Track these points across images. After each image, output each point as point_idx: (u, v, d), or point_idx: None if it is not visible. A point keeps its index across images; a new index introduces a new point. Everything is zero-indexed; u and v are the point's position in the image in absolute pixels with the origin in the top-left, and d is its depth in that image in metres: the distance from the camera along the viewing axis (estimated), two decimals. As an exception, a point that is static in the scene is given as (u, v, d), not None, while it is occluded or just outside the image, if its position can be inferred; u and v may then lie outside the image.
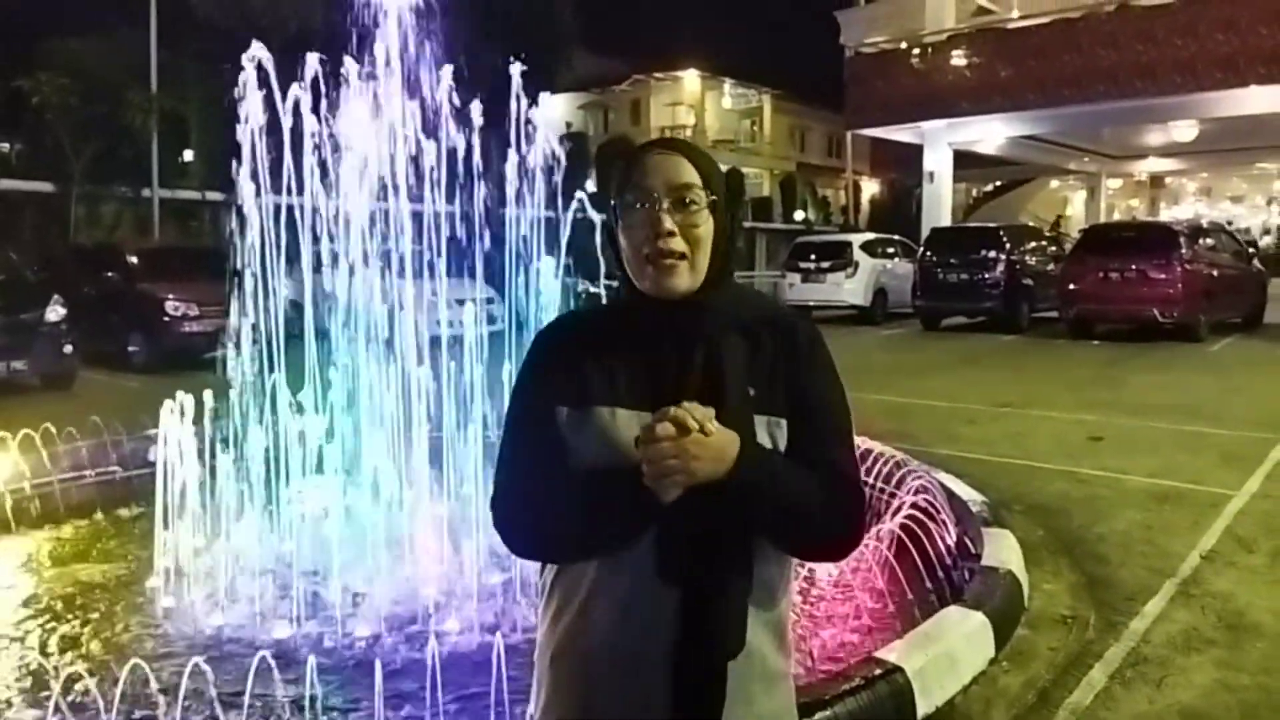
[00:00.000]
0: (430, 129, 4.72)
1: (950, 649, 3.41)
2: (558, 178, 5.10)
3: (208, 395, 4.46)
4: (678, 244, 1.33)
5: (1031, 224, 24.68)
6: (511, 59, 4.86)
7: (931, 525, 4.54)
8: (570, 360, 1.38)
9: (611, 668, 1.34)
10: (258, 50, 4.25)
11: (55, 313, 10.57)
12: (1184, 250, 14.89)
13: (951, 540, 4.62)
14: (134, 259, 13.41)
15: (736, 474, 1.24)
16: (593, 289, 7.00)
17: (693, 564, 1.30)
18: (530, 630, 3.65)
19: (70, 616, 4.13)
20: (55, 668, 3.52)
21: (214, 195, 18.93)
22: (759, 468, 1.28)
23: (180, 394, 4.35)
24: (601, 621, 1.34)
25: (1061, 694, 3.41)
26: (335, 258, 4.57)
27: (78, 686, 3.15)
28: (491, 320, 5.29)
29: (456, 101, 4.73)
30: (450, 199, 4.85)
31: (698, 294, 1.35)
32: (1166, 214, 32.65)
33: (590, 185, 26.79)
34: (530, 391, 1.42)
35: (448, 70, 4.71)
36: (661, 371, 1.34)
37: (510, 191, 5.03)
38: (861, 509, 1.42)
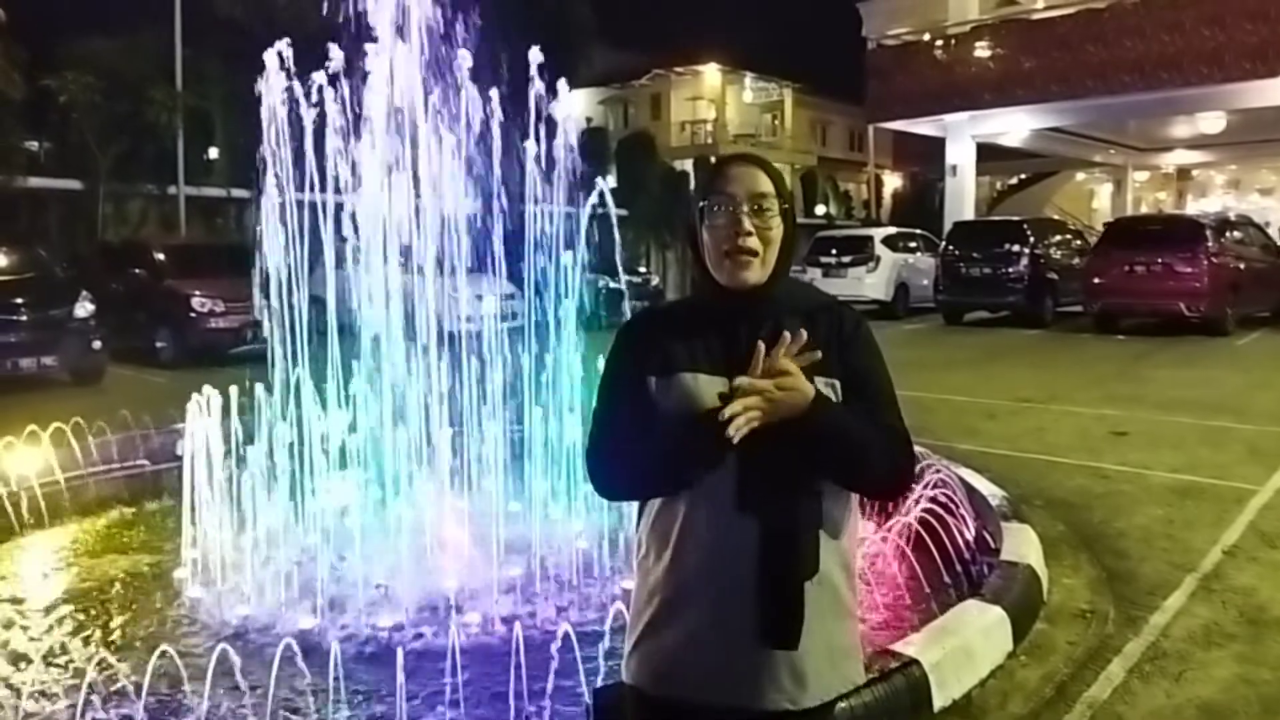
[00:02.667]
0: (450, 124, 4.75)
1: (967, 642, 3.42)
2: (576, 173, 5.12)
3: (257, 390, 4.52)
4: (754, 243, 1.57)
5: (1057, 217, 24.45)
6: (530, 55, 4.88)
7: (950, 519, 4.53)
8: (657, 339, 1.63)
9: (705, 594, 1.55)
10: (281, 47, 4.31)
11: (84, 309, 10.72)
12: (1211, 243, 14.72)
13: (970, 534, 4.62)
14: (161, 256, 13.56)
15: (812, 414, 1.48)
16: (613, 284, 7.03)
17: (768, 497, 1.52)
18: (551, 622, 3.71)
19: (101, 606, 4.22)
20: (87, 647, 3.60)
21: (239, 192, 19.10)
22: (830, 410, 1.52)
23: (208, 388, 4.42)
24: (692, 556, 1.56)
25: (1079, 688, 3.41)
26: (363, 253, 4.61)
27: (109, 673, 3.22)
28: (512, 316, 5.33)
29: (476, 97, 4.77)
30: (470, 194, 4.89)
31: (765, 285, 1.60)
32: (1194, 207, 32.17)
33: (610, 181, 26.78)
34: (622, 363, 1.67)
35: (466, 66, 4.74)
36: (735, 345, 1.56)
37: (530, 187, 5.06)
38: (911, 457, 1.66)
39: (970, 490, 5.10)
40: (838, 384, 1.58)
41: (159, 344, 12.42)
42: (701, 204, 1.61)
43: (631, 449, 1.59)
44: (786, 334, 1.49)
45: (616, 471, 1.65)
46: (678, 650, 1.58)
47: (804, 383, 1.48)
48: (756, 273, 1.59)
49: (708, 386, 1.54)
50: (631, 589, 1.72)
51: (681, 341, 1.61)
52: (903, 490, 1.74)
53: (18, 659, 3.64)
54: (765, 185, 1.59)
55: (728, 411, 1.45)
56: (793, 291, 1.67)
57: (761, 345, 1.48)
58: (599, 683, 2.92)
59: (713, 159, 1.75)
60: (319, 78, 4.40)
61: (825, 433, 1.51)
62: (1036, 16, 21.61)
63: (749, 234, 1.57)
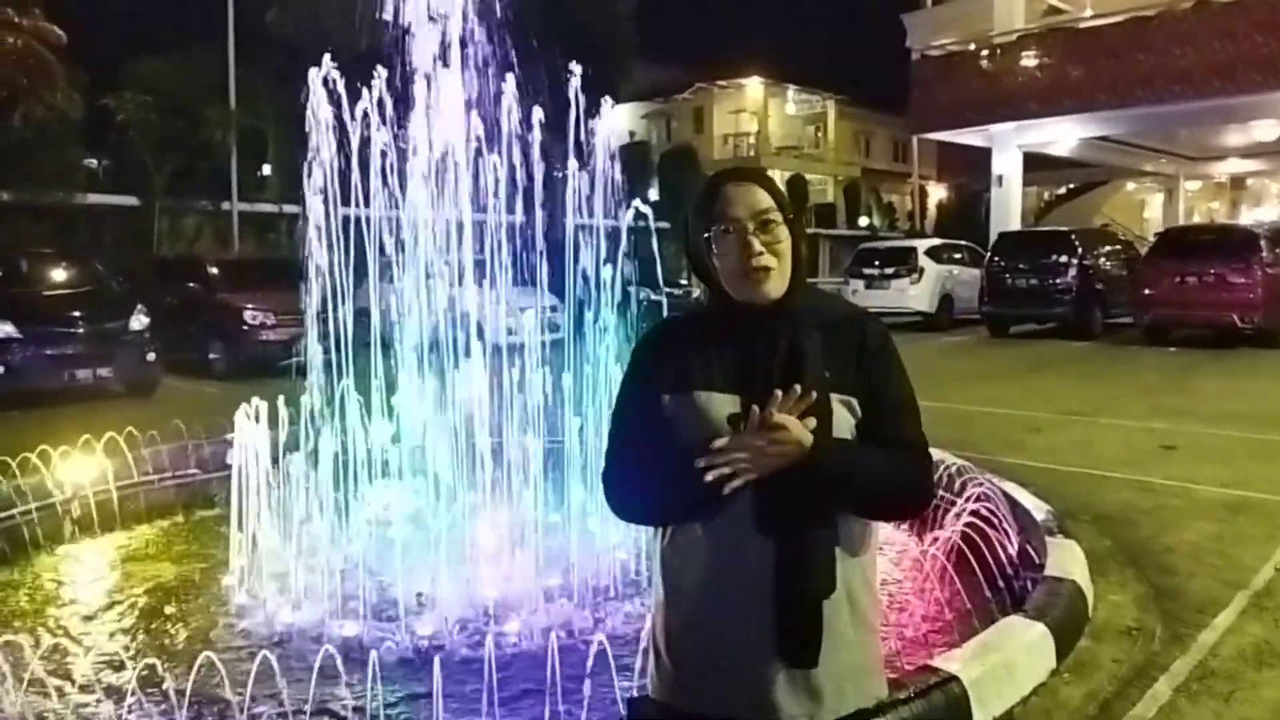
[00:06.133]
0: (494, 140, 4.83)
1: (1009, 659, 3.37)
2: (619, 187, 5.17)
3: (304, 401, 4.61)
4: (767, 260, 1.57)
5: (1107, 227, 24.04)
6: (573, 71, 4.95)
7: (993, 534, 4.48)
8: (673, 354, 1.63)
9: (721, 612, 1.56)
10: (328, 67, 4.42)
11: (139, 322, 10.98)
12: (1265, 253, 14.42)
13: (1014, 550, 4.57)
14: (214, 270, 13.89)
15: (813, 460, 1.48)
16: (654, 296, 7.08)
17: (785, 517, 1.52)
18: (586, 633, 3.74)
19: (149, 612, 4.33)
20: (133, 651, 3.69)
21: (291, 208, 19.48)
22: (834, 454, 1.51)
23: (256, 399, 4.51)
24: (710, 573, 1.57)
25: (1124, 706, 3.35)
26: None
27: (154, 678, 3.31)
28: (554, 328, 5.39)
29: (519, 113, 4.84)
30: (513, 208, 4.96)
31: (782, 298, 1.60)
32: (1248, 216, 31.47)
33: (652, 194, 26.87)
34: (638, 381, 1.68)
35: (510, 83, 4.82)
36: (751, 362, 1.57)
37: (571, 200, 5.11)
38: (929, 474, 1.68)
39: (1014, 504, 5.03)
40: (855, 401, 1.58)
41: (212, 356, 12.70)
42: (707, 235, 1.60)
43: (643, 477, 1.60)
44: (778, 393, 1.47)
45: (628, 497, 1.66)
46: (697, 665, 1.59)
47: (798, 434, 1.47)
48: (776, 285, 1.58)
49: (720, 406, 1.55)
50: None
51: (697, 356, 1.61)
52: (921, 511, 1.78)
53: (66, 662, 3.74)
54: (765, 200, 1.59)
55: (711, 475, 1.46)
56: (814, 303, 1.65)
57: (764, 405, 1.46)
58: (634, 693, 2.94)
59: (706, 180, 1.74)
60: (367, 97, 4.50)
61: (831, 476, 1.51)
62: (1083, 25, 21.31)
63: (760, 253, 1.56)
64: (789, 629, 1.52)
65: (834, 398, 1.55)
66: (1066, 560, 4.28)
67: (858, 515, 1.59)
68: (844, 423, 1.56)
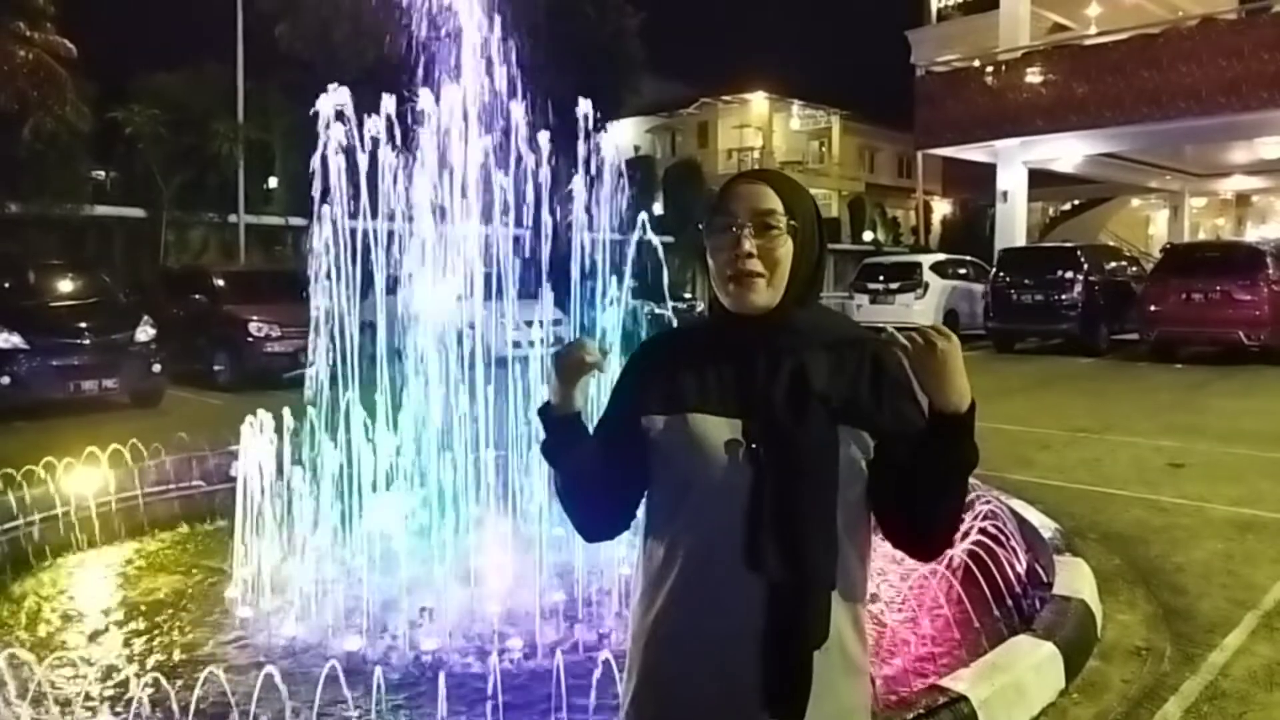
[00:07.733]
0: (500, 155, 4.84)
1: (1018, 679, 3.35)
2: (623, 201, 5.18)
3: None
4: (756, 265, 1.42)
5: (1111, 243, 24.02)
6: (580, 88, 4.96)
7: (1001, 552, 4.45)
8: (665, 372, 1.48)
9: (702, 654, 1.41)
10: (337, 85, 4.43)
11: (145, 333, 10.99)
12: (1271, 270, 14.40)
13: (1022, 568, 4.53)
14: (220, 282, 13.91)
15: (970, 415, 1.35)
16: (658, 310, 7.07)
17: (779, 554, 1.37)
18: (591, 649, 3.71)
19: (153, 625, 4.30)
20: (136, 664, 3.67)
21: (297, 220, 19.53)
22: (969, 425, 1.37)
23: (261, 411, 4.50)
24: (693, 610, 1.42)
25: (1134, 727, 3.33)
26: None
27: (157, 692, 3.28)
28: (559, 341, 5.38)
29: (525, 128, 4.85)
30: (519, 222, 4.96)
31: (780, 312, 1.44)
32: (1254, 233, 31.46)
33: (657, 208, 26.92)
34: (622, 397, 1.53)
35: (518, 98, 4.83)
36: (750, 382, 1.42)
37: (577, 215, 5.12)
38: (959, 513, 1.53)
39: (1022, 522, 5.00)
40: (866, 434, 1.41)
41: (217, 367, 12.71)
42: (702, 225, 1.48)
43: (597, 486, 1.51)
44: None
45: (579, 508, 1.56)
46: (673, 708, 1.45)
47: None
48: (763, 295, 1.43)
49: (716, 429, 1.41)
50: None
51: (691, 374, 1.46)
52: (945, 548, 1.57)
53: (70, 675, 3.71)
54: (770, 202, 1.44)
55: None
56: (819, 322, 1.49)
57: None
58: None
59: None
60: (375, 113, 4.51)
61: (968, 437, 1.36)
62: (1089, 43, 21.37)
63: (750, 255, 1.42)
64: (776, 680, 1.38)
65: (841, 430, 1.40)
66: (1075, 579, 4.26)
67: (919, 516, 1.42)
68: (854, 458, 1.40)
